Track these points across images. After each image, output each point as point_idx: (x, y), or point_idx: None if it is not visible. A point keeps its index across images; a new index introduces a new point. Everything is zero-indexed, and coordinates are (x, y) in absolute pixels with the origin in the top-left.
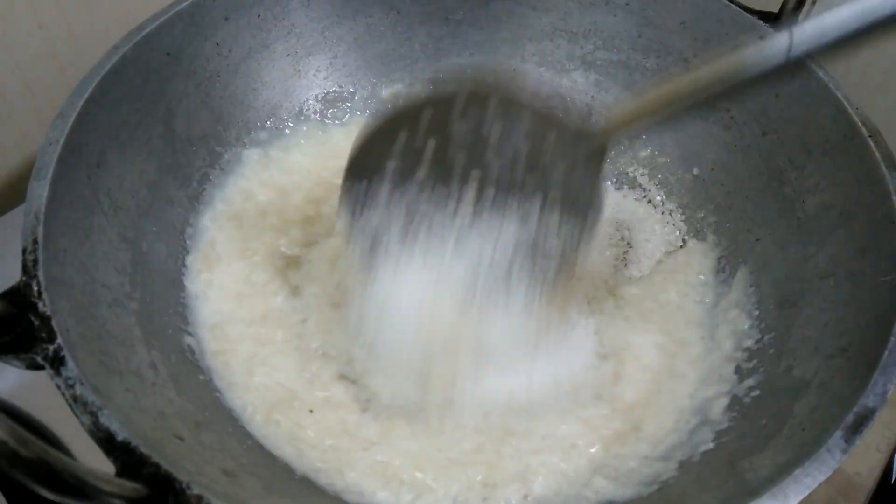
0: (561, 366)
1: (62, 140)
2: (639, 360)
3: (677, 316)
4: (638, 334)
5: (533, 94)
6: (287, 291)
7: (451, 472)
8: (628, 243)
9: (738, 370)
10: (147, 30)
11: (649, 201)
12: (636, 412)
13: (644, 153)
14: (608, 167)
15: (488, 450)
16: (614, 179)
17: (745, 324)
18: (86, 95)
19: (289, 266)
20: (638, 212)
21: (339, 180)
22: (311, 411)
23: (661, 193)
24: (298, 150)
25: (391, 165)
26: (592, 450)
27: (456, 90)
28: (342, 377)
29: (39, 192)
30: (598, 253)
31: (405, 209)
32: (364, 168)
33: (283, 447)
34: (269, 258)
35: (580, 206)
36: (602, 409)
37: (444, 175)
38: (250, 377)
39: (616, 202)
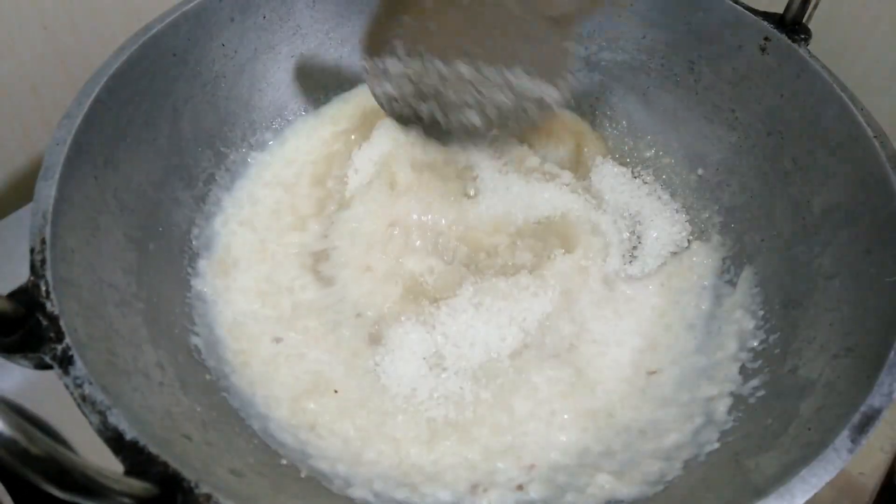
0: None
1: (69, 140)
2: (599, 345)
3: (663, 316)
4: (605, 321)
5: None
6: (319, 284)
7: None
8: (639, 238)
9: (742, 370)
10: (153, 31)
11: (658, 198)
12: (604, 396)
13: (648, 154)
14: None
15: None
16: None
17: (750, 324)
18: (93, 96)
19: (318, 261)
20: (648, 207)
21: (333, 148)
22: (335, 391)
23: (666, 194)
24: (294, 138)
25: (399, 45)
26: (567, 416)
27: None
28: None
29: (47, 192)
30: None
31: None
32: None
33: (301, 435)
34: (294, 257)
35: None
36: (562, 372)
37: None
38: (276, 370)
39: (632, 190)
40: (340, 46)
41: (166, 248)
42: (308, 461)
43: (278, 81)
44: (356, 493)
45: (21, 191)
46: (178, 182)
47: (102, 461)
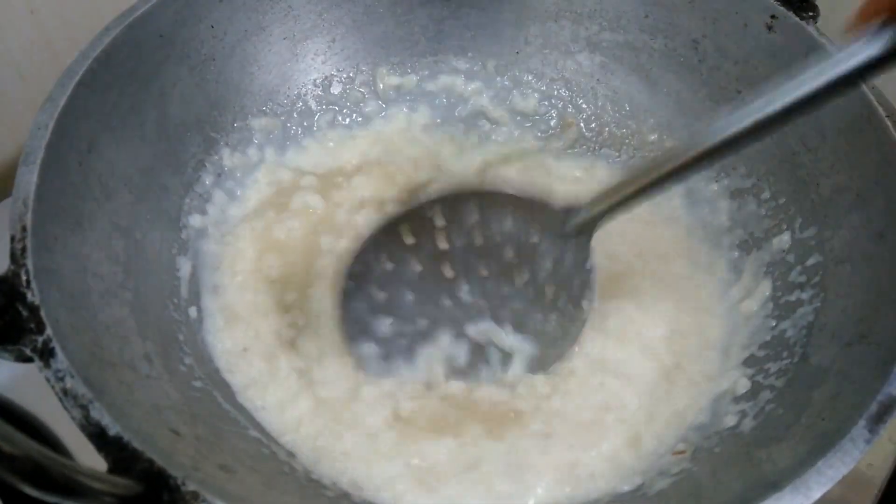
0: None
1: (51, 124)
2: None
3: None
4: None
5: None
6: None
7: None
8: None
9: (751, 359)
10: (139, 11)
11: None
12: None
13: (652, 137)
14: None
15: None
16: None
17: (758, 311)
18: (76, 79)
19: None
20: None
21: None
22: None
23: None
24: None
25: (387, 272)
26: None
27: (434, 197)
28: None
29: (28, 177)
30: None
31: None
32: (363, 277)
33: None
34: None
35: (573, 292)
36: None
37: (436, 277)
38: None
39: None
40: (334, 28)
41: (154, 237)
42: (302, 457)
43: (270, 64)
44: (350, 490)
45: (8, 180)
46: (165, 168)
47: (96, 460)
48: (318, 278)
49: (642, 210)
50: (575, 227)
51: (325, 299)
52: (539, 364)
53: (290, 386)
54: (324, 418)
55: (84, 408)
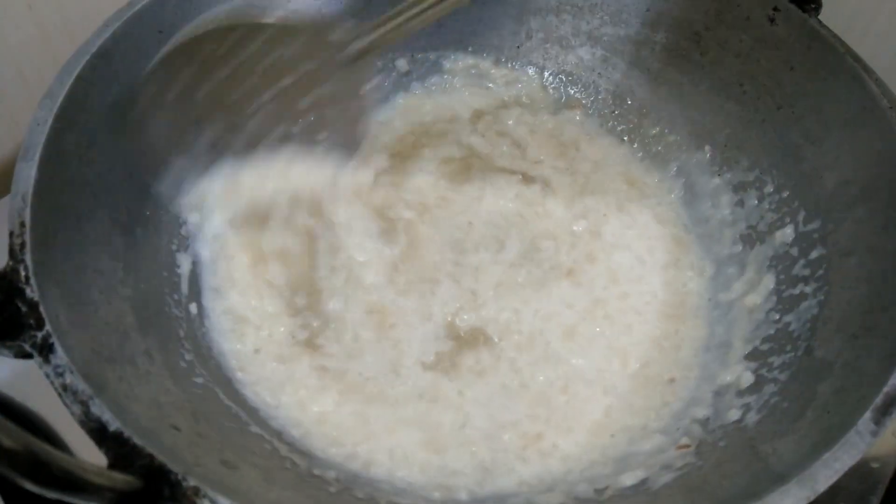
0: None
1: (50, 120)
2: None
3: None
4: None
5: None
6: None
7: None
8: None
9: (755, 352)
10: (138, 6)
11: None
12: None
13: (653, 131)
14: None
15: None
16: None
17: (762, 305)
18: (75, 74)
19: None
20: None
21: None
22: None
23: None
24: None
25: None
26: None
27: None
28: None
29: (27, 173)
30: None
31: None
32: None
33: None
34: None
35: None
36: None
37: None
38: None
39: None
40: None
41: (154, 233)
42: (305, 452)
43: None
44: (354, 485)
45: (7, 177)
46: None
47: (94, 456)
48: (326, 281)
49: None
50: (351, 55)
51: (339, 300)
52: None
53: (312, 384)
54: (349, 413)
55: (84, 404)
